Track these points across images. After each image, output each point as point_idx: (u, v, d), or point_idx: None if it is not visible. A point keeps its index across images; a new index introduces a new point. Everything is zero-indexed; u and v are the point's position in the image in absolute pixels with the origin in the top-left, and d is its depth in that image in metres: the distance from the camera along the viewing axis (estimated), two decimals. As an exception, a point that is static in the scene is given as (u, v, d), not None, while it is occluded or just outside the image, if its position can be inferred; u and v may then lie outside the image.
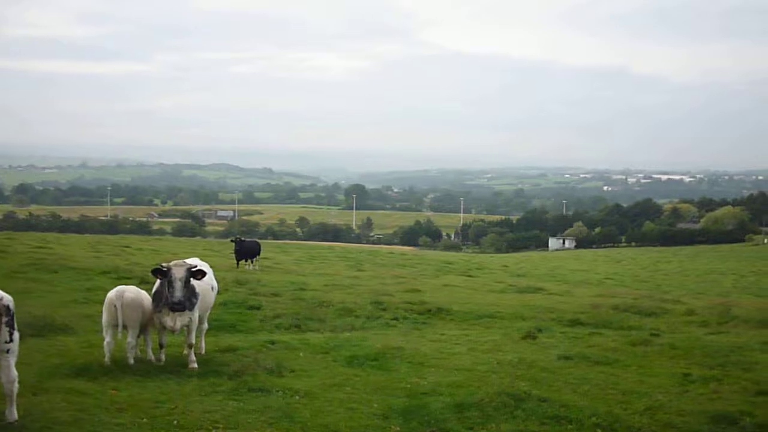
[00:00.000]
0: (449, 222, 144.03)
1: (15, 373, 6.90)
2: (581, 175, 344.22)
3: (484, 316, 16.17)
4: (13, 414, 6.78)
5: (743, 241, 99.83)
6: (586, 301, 20.65)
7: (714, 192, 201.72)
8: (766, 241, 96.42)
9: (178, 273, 9.08)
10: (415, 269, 37.28)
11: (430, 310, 16.44)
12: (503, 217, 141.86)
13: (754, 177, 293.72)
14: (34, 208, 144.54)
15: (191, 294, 9.35)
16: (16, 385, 6.83)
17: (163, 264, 9.38)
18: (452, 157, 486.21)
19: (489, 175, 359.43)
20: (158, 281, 9.40)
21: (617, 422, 7.65)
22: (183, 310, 9.11)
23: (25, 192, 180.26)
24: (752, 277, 49.57)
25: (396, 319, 15.13)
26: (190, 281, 9.17)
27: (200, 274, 9.29)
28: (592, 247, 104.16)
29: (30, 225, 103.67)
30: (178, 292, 9.01)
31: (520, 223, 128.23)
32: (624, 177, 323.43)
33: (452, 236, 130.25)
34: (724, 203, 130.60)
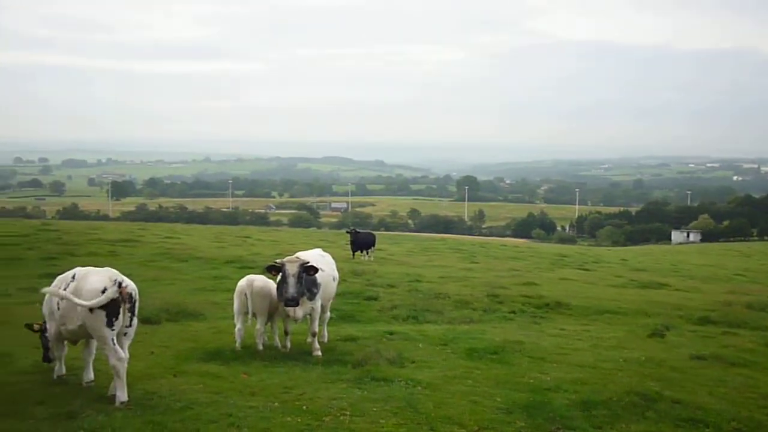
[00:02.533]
0: (563, 214, 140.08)
1: (127, 354, 7.31)
2: (707, 165, 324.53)
3: (605, 312, 15.60)
4: (124, 395, 7.09)
5: None
6: (716, 298, 19.46)
7: None
8: None
9: (292, 269, 9.29)
10: (529, 262, 36.48)
11: (548, 304, 16.05)
12: (621, 208, 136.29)
13: None
14: (162, 201, 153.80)
15: (312, 284, 9.59)
16: (125, 365, 7.17)
17: (278, 260, 9.67)
18: (565, 147, 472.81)
19: (605, 166, 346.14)
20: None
21: (760, 428, 7.17)
22: (296, 305, 9.31)
23: (154, 185, 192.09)
24: None
25: (513, 312, 14.90)
26: (303, 276, 9.36)
27: (312, 270, 9.45)
28: (719, 241, 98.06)
29: (159, 216, 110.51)
30: (291, 288, 9.20)
31: (640, 215, 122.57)
32: (756, 166, 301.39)
33: (567, 228, 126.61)
34: None
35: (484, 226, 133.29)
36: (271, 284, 9.89)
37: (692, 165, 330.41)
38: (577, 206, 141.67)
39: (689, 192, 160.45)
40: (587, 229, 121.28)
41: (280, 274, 9.43)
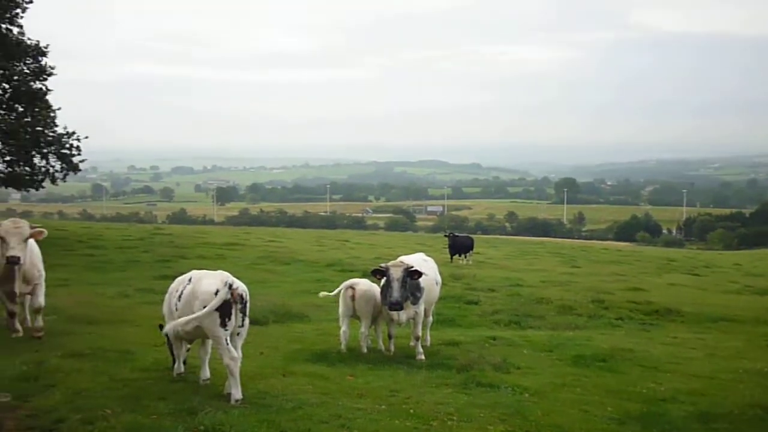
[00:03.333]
0: (669, 216, 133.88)
1: (240, 353, 7.56)
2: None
3: (720, 319, 14.82)
4: (238, 393, 7.33)
5: None
6: None
7: None
8: None
9: (396, 273, 9.38)
10: (634, 266, 35.08)
11: (657, 311, 15.44)
12: (733, 210, 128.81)
13: None
14: (264, 205, 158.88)
15: (415, 289, 9.64)
16: (239, 363, 7.41)
17: (382, 264, 9.77)
18: (671, 146, 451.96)
19: (715, 165, 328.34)
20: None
21: None
22: (400, 309, 9.38)
23: (256, 191, 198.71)
24: None
25: (620, 318, 14.43)
26: (407, 280, 9.43)
27: (416, 275, 9.50)
28: None
29: (261, 220, 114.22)
30: (396, 292, 9.29)
31: (755, 216, 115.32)
32: None
33: (673, 231, 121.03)
34: None
35: (584, 229, 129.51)
36: (376, 288, 10.02)
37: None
38: (684, 208, 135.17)
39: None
40: (696, 232, 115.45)
41: (385, 278, 9.53)
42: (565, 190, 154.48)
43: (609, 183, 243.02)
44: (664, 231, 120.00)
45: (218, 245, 27.02)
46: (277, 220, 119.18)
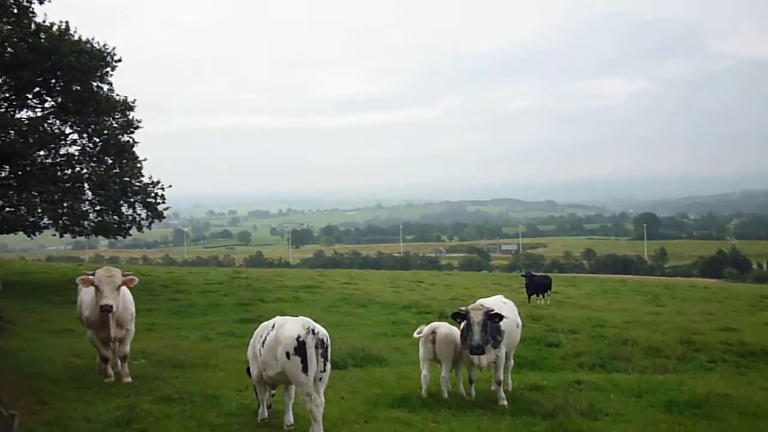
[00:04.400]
0: (759, 250, 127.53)
1: (323, 398, 7.62)
2: None
3: (825, 362, 13.88)
4: None
5: None
6: None
7: None
8: None
9: (476, 317, 9.28)
10: (724, 304, 33.44)
11: (752, 353, 14.59)
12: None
13: None
14: (338, 247, 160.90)
15: (496, 332, 9.49)
16: (322, 409, 7.49)
17: (462, 308, 9.67)
18: (758, 177, 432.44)
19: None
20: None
21: None
22: (481, 353, 9.26)
23: (330, 232, 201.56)
24: None
25: (713, 361, 13.72)
26: (488, 324, 9.31)
27: (497, 318, 9.38)
28: None
29: (335, 262, 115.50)
30: (477, 336, 9.19)
31: None
32: None
33: (764, 266, 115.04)
34: None
35: (666, 266, 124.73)
36: (456, 331, 9.91)
37: None
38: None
39: None
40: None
41: (465, 321, 9.43)
42: (645, 225, 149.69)
43: (692, 217, 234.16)
44: (754, 266, 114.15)
45: (295, 288, 27.41)
46: (351, 261, 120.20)
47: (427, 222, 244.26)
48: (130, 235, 28.18)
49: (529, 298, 27.60)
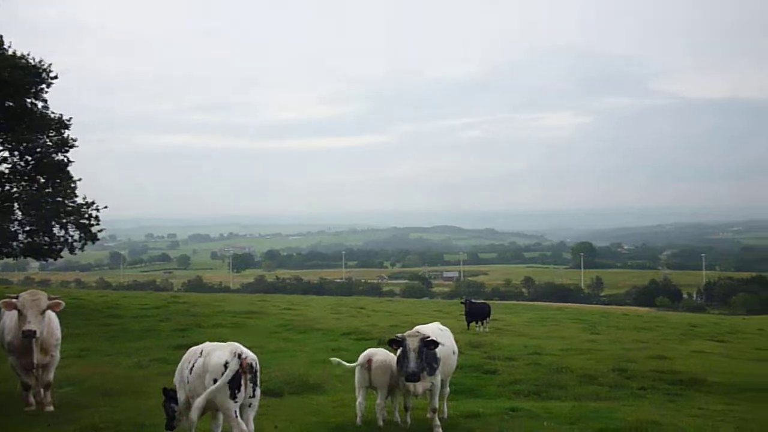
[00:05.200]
0: (690, 280, 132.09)
1: (253, 426, 7.52)
2: None
3: (749, 390, 14.36)
4: None
5: None
6: None
7: None
8: None
9: (413, 344, 9.25)
10: (657, 333, 34.36)
11: (682, 380, 15.00)
12: (755, 273, 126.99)
13: None
14: (280, 272, 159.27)
15: (432, 359, 9.48)
16: None
17: (398, 335, 9.65)
18: (691, 212, 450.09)
19: (735, 228, 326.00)
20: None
21: None
22: (417, 380, 9.22)
23: (272, 257, 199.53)
24: None
25: (644, 389, 14.02)
26: (424, 351, 9.29)
27: (432, 345, 9.37)
28: None
29: (277, 287, 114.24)
30: (412, 363, 9.15)
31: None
32: None
33: (694, 296, 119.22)
34: None
35: (602, 294, 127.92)
36: (392, 358, 9.86)
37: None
38: (704, 272, 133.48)
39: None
40: (717, 296, 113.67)
41: (401, 348, 9.40)
42: (582, 254, 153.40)
43: (626, 247, 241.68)
44: (685, 295, 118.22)
45: (235, 313, 26.89)
46: (294, 287, 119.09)
47: (371, 248, 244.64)
48: (62, 257, 27.30)
49: (468, 325, 27.78)
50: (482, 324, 27.97)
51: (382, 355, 9.86)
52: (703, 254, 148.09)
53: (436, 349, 9.47)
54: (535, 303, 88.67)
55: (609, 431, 9.66)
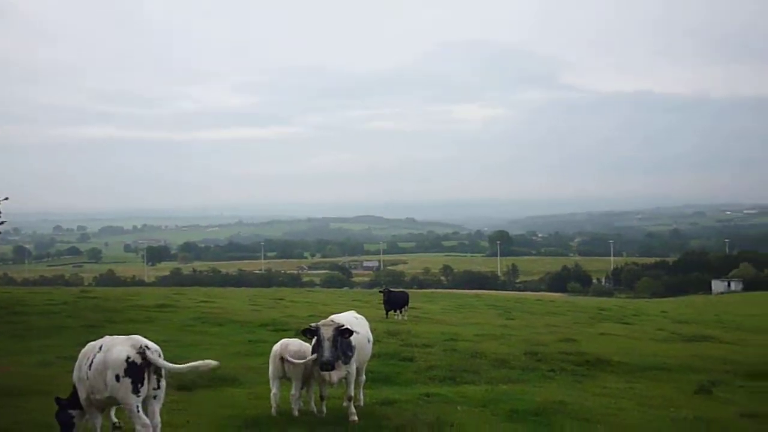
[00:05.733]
0: (599, 266, 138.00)
1: (158, 419, 7.40)
2: (744, 212, 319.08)
3: (650, 368, 15.18)
4: None
5: None
6: (765, 350, 18.83)
7: None
8: None
9: (327, 333, 9.24)
10: (567, 317, 35.78)
11: (588, 361, 15.69)
12: (658, 259, 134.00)
13: None
14: (197, 264, 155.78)
15: (347, 348, 9.52)
16: (159, 430, 7.29)
17: (312, 324, 9.64)
18: (601, 201, 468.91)
19: (640, 216, 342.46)
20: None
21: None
22: (331, 369, 9.24)
23: (189, 250, 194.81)
24: None
25: (553, 370, 14.58)
26: (338, 340, 9.31)
27: (347, 334, 9.40)
28: (762, 290, 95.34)
29: (194, 280, 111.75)
30: (327, 352, 9.15)
31: (678, 265, 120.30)
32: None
33: (603, 281, 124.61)
34: None
35: (518, 281, 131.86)
36: (307, 347, 9.84)
37: (729, 213, 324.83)
38: (612, 258, 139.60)
39: (727, 240, 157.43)
40: (624, 281, 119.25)
41: (315, 337, 9.39)
42: (498, 242, 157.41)
43: (540, 235, 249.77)
44: (594, 281, 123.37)
45: (148, 307, 26.12)
46: (211, 279, 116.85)
47: (290, 239, 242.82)
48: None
49: (387, 313, 28.01)
50: (400, 312, 28.26)
51: (296, 345, 9.83)
52: (611, 241, 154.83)
53: (351, 338, 9.52)
54: (453, 291, 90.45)
55: (518, 412, 9.98)
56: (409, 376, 13.64)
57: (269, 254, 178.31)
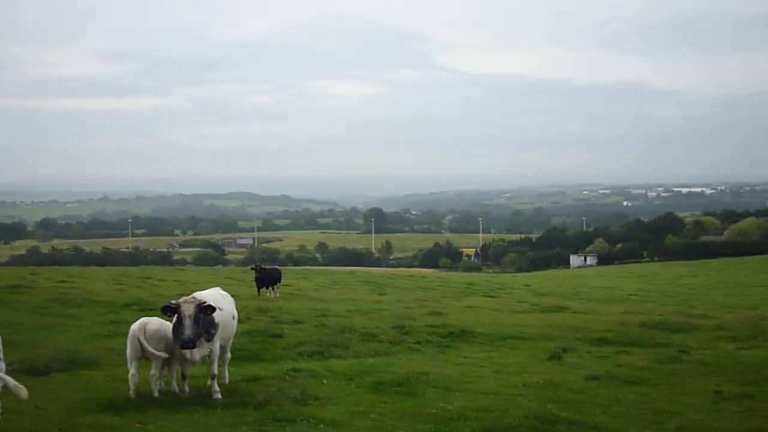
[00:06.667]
0: (469, 243, 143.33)
1: None
2: (600, 191, 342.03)
3: (509, 338, 15.99)
4: None
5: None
6: (612, 318, 20.36)
7: (736, 204, 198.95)
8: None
9: (188, 310, 9.02)
10: (437, 292, 37.04)
11: (453, 333, 16.29)
12: (523, 236, 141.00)
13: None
14: (57, 243, 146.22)
15: (209, 325, 9.33)
16: None
17: (173, 301, 9.37)
18: (471, 179, 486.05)
19: (507, 195, 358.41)
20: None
21: (651, 443, 7.48)
22: (193, 347, 9.04)
23: (47, 227, 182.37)
24: (780, 289, 48.58)
25: (419, 343, 15.02)
26: (200, 317, 9.10)
27: (209, 310, 9.21)
28: (614, 263, 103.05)
29: (54, 259, 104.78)
30: (188, 330, 8.93)
31: (541, 241, 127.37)
32: (644, 191, 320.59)
33: (472, 257, 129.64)
34: (746, 215, 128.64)
35: (391, 258, 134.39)
36: (167, 326, 9.53)
37: (586, 192, 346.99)
38: (481, 235, 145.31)
39: (584, 218, 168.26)
40: (492, 256, 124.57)
41: (176, 315, 9.12)
42: (373, 220, 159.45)
43: (414, 213, 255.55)
44: (464, 257, 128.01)
45: (0, 289, 24.31)
46: (72, 258, 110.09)
47: (160, 216, 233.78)
48: None
49: (258, 291, 27.68)
50: (273, 290, 28.03)
51: (155, 323, 9.49)
52: (480, 218, 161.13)
53: (214, 315, 9.33)
54: (328, 268, 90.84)
55: (383, 383, 10.22)
56: (277, 352, 13.58)
57: (137, 232, 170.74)
